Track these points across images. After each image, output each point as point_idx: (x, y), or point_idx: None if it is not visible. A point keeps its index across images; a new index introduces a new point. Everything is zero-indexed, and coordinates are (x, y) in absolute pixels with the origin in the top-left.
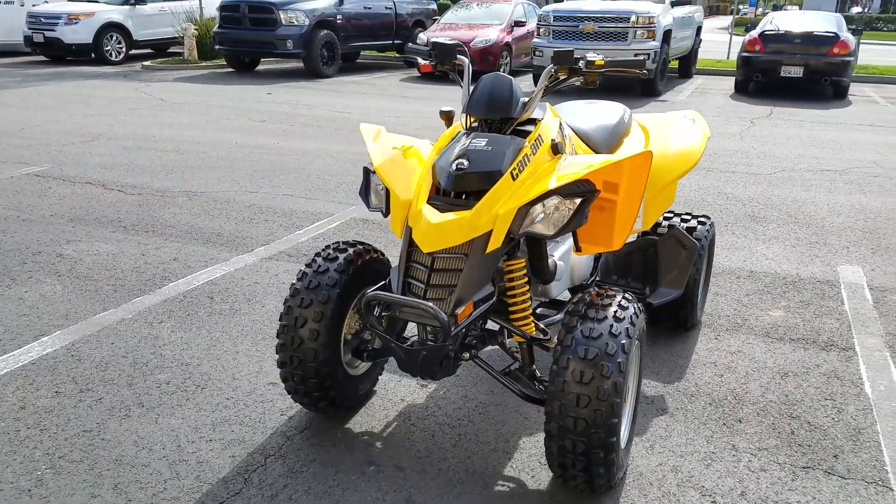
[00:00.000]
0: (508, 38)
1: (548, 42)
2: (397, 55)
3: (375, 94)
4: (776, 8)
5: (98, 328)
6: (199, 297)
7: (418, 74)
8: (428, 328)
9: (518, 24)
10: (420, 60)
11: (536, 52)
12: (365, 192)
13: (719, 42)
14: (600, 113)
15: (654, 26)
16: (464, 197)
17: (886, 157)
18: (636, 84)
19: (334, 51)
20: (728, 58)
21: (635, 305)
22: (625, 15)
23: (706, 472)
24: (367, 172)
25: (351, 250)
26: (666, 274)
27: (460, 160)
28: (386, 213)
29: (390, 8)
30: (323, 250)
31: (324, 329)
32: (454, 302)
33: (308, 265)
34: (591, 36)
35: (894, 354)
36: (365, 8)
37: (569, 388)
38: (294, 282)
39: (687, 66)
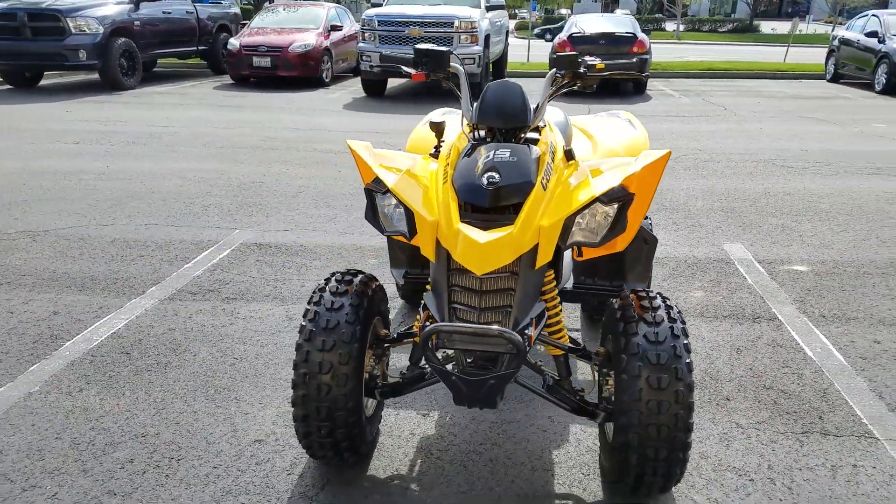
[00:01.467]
0: (327, 43)
1: (374, 47)
2: (202, 62)
3: (194, 105)
4: (548, 12)
5: (2, 409)
6: (113, 354)
7: (232, 82)
8: (468, 356)
9: (335, 28)
10: (405, 69)
11: (364, 57)
12: (372, 215)
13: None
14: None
15: (476, 31)
16: (494, 212)
17: (706, 144)
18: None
19: (134, 60)
20: (528, 60)
21: (673, 304)
22: (448, 20)
23: (729, 452)
24: (371, 194)
25: (357, 280)
26: (631, 269)
27: (490, 174)
28: (410, 237)
29: (191, 13)
30: (326, 283)
31: (351, 372)
32: (512, 323)
33: (315, 302)
34: (416, 40)
35: (811, 319)
36: (164, 13)
37: (645, 396)
38: (304, 323)
39: (500, 70)
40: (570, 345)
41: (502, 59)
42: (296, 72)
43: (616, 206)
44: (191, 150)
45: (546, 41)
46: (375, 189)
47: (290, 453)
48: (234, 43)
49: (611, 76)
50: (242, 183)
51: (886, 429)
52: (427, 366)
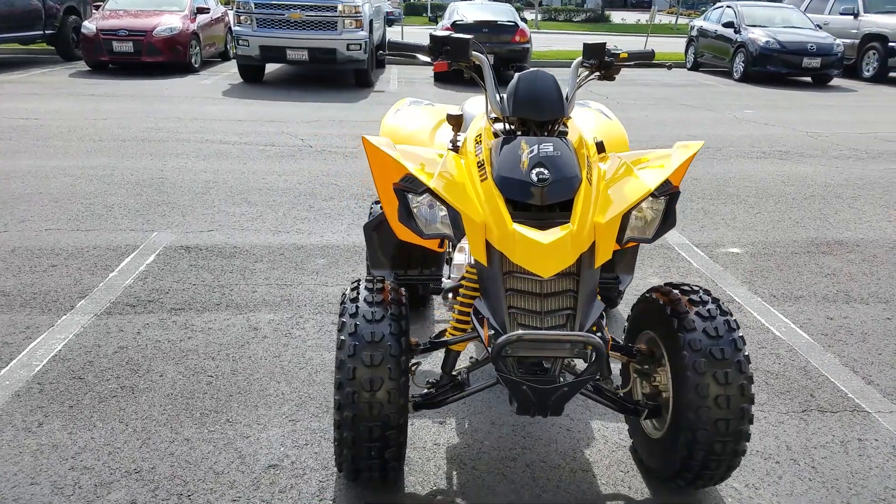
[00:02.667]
0: (194, 27)
1: (252, 31)
2: (50, 48)
3: (52, 95)
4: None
5: None
6: (63, 381)
7: (88, 69)
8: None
9: (201, 10)
10: (421, 58)
11: (241, 42)
12: (408, 217)
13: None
14: None
15: (361, 15)
16: (537, 210)
17: None
18: (349, 75)
19: None
20: None
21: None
22: (331, 3)
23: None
24: (403, 194)
25: (387, 285)
26: (620, 261)
27: (538, 170)
28: (458, 240)
29: None
30: (355, 292)
31: (401, 387)
32: (578, 326)
33: (352, 314)
34: (298, 25)
35: (764, 299)
36: None
37: (712, 392)
38: (344, 337)
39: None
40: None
41: (382, 44)
42: (162, 57)
43: (665, 200)
44: (69, 144)
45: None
46: (408, 188)
47: (314, 477)
48: (88, 27)
49: (636, 65)
50: (141, 179)
51: (872, 402)
52: (461, 375)
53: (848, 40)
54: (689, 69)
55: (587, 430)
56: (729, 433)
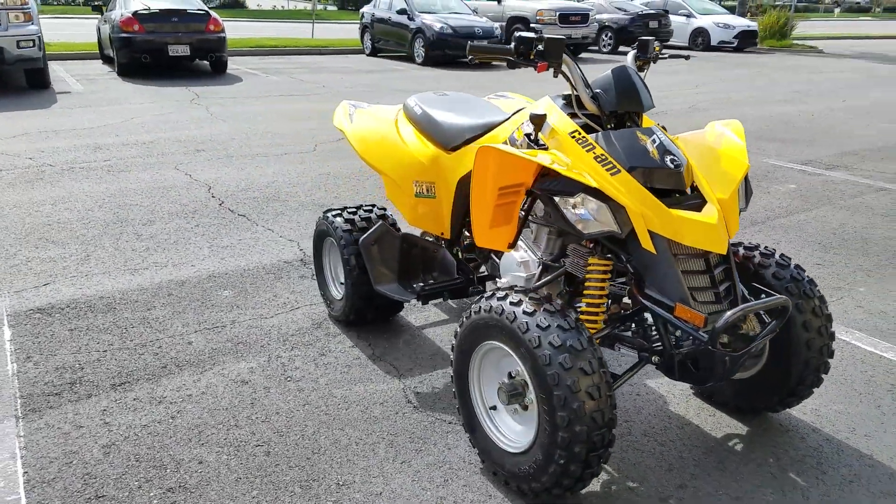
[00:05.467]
0: None
1: None
2: None
3: None
4: None
5: None
6: (61, 494)
7: None
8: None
9: None
10: (520, 61)
11: None
12: (563, 219)
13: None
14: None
15: (29, 7)
16: (662, 194)
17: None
18: (17, 76)
19: None
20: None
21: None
22: None
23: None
24: (550, 196)
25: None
26: None
27: (670, 157)
28: (624, 233)
29: None
30: (512, 306)
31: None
32: (740, 297)
33: (540, 327)
34: None
35: None
36: None
37: (813, 325)
38: (548, 352)
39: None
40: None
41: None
42: None
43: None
44: None
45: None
46: (555, 190)
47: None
48: None
49: (672, 56)
50: None
51: None
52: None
53: (497, 23)
54: (367, 55)
55: (653, 394)
56: (826, 352)
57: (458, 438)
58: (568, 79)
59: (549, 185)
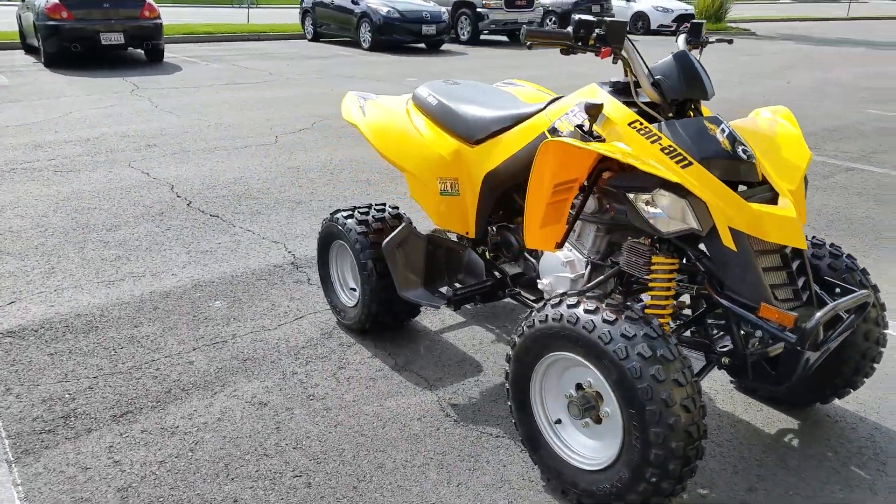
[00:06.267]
0: None
1: None
2: None
3: None
4: None
5: None
6: None
7: None
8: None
9: None
10: (580, 47)
11: None
12: (641, 217)
13: None
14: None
15: None
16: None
17: (296, 112)
18: None
19: None
20: None
21: None
22: None
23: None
24: (625, 194)
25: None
26: None
27: (742, 147)
28: (705, 230)
29: None
30: (588, 314)
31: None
32: (811, 290)
33: (626, 336)
34: None
35: None
36: None
37: (871, 315)
38: (634, 363)
39: None
40: None
41: None
42: None
43: None
44: None
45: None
46: (631, 186)
47: None
48: None
49: (718, 41)
50: None
51: None
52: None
53: (443, 7)
54: (310, 40)
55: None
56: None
57: (510, 453)
58: (628, 64)
59: (623, 181)
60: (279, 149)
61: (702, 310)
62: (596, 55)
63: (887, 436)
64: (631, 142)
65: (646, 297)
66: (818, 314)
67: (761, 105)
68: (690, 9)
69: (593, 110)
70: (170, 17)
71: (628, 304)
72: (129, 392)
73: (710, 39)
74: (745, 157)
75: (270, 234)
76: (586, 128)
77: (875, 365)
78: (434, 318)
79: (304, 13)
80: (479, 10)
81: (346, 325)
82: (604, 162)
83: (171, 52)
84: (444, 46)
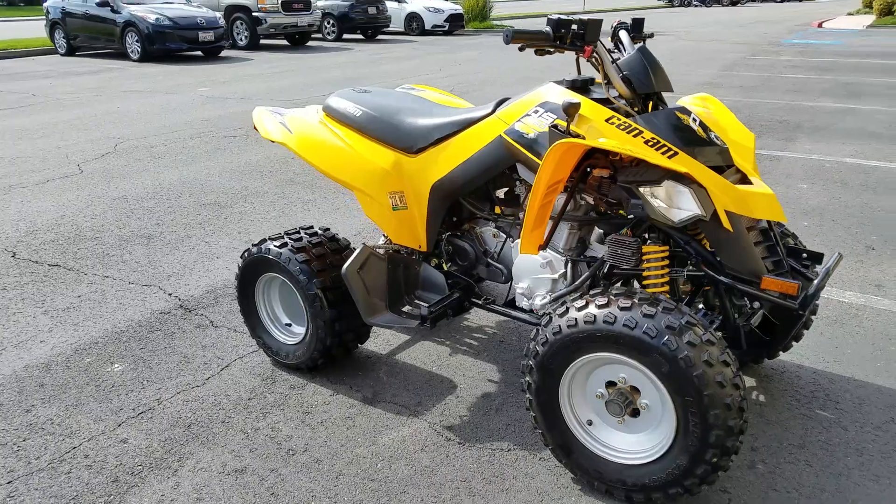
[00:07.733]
0: None
1: None
2: None
3: None
4: None
5: None
6: None
7: None
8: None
9: None
10: (562, 47)
11: None
12: (651, 209)
13: None
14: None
15: None
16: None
17: (69, 138)
18: None
19: None
20: None
21: None
22: None
23: None
24: (634, 188)
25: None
26: None
27: (713, 134)
28: (710, 216)
29: None
30: (631, 300)
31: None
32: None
33: (648, 317)
34: None
35: None
36: None
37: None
38: (690, 354)
39: None
40: None
41: None
42: None
43: None
44: None
45: None
46: (641, 180)
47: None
48: None
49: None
50: None
51: None
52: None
53: (216, 12)
54: (63, 55)
55: None
56: None
57: (531, 464)
58: (600, 62)
59: (632, 175)
60: (89, 179)
61: (692, 290)
62: (577, 54)
63: (826, 377)
64: (611, 137)
65: (636, 286)
66: (816, 281)
67: None
68: (459, 8)
69: (572, 109)
70: None
71: (658, 296)
72: (64, 492)
73: (651, 34)
74: (718, 142)
75: (136, 278)
76: (563, 127)
77: (813, 317)
78: (377, 340)
79: (53, 25)
80: (255, 14)
81: (287, 365)
82: (588, 160)
83: None
84: (224, 53)
